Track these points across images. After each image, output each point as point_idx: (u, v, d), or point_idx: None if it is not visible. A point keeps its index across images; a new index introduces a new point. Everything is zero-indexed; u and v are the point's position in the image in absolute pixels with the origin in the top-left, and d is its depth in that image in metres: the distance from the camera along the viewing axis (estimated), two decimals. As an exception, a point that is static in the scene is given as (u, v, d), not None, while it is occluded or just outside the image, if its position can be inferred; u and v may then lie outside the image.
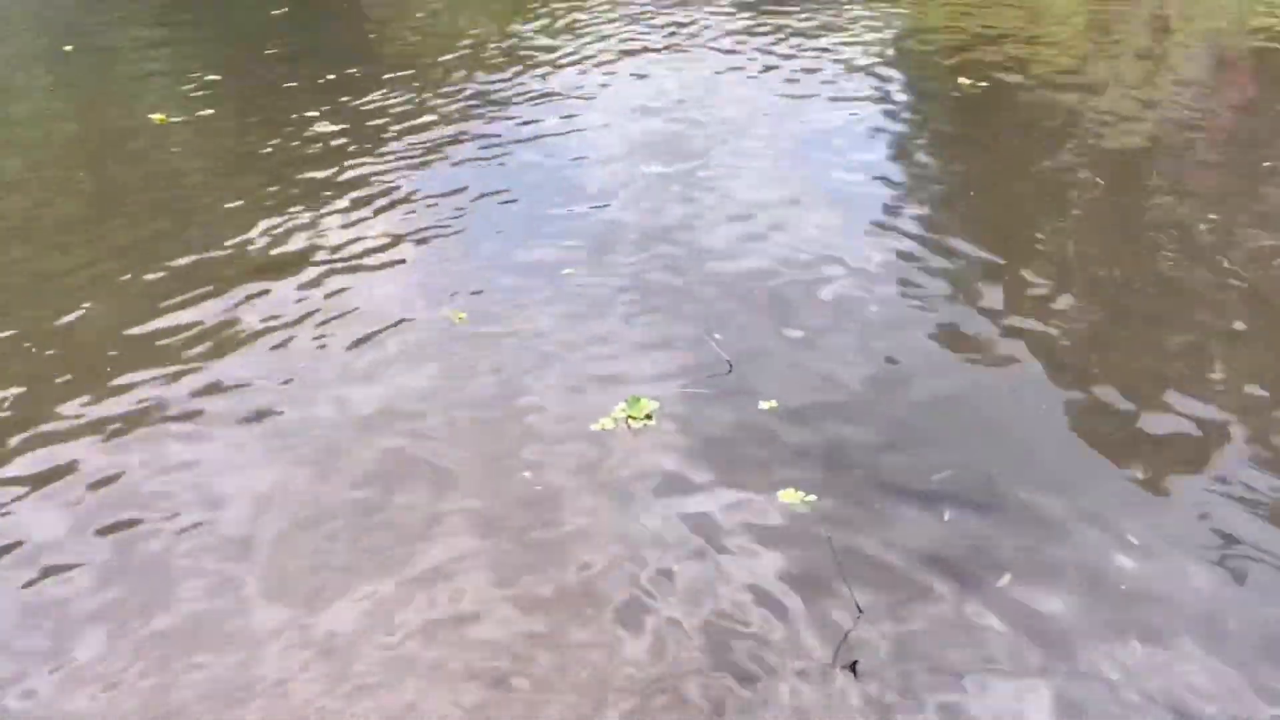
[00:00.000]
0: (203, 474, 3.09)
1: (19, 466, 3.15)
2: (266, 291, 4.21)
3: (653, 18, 8.24)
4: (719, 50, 7.30)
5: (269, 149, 5.85)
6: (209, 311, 4.05)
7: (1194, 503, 2.79)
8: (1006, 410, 3.26)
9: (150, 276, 4.35)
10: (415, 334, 3.87)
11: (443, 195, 5.13)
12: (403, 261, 4.49)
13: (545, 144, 5.76)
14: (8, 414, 3.42)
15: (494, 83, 6.79)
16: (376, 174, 5.42)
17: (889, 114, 6.02)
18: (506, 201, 5.03)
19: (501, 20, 8.24)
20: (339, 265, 4.45)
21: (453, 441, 3.20)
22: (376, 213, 4.98)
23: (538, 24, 8.08)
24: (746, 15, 8.22)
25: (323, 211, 5.00)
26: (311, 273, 4.38)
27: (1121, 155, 5.24)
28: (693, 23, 8.04)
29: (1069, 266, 4.17)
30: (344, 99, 6.58)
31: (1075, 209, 4.71)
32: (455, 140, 5.86)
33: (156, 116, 6.45)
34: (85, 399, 3.48)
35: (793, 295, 3.98)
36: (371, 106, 6.44)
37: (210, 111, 6.55)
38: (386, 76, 6.98)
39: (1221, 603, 2.44)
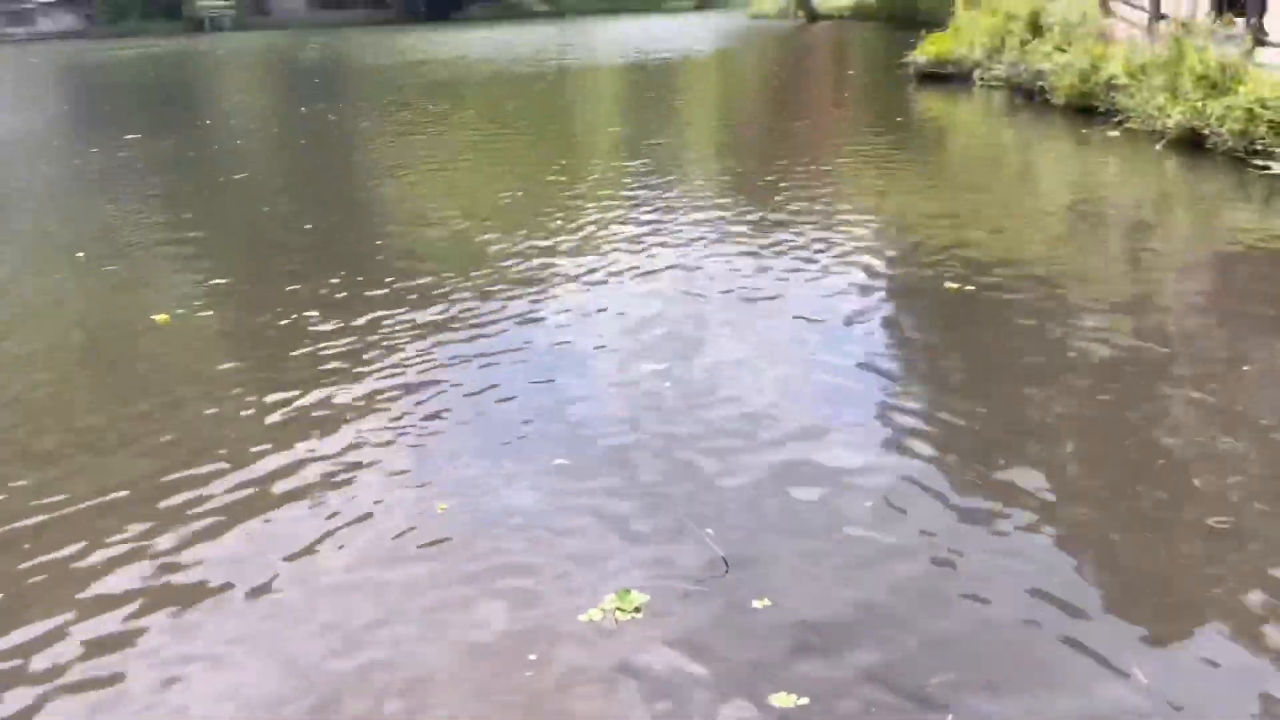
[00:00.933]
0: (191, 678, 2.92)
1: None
2: (254, 491, 4.12)
3: (639, 212, 8.48)
4: (704, 250, 7.42)
5: (267, 351, 5.88)
6: (194, 515, 3.95)
7: None
8: (1005, 612, 3.09)
9: (134, 481, 4.28)
10: (397, 521, 3.78)
11: (437, 393, 5.11)
12: (390, 446, 4.42)
13: (541, 344, 5.78)
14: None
15: (493, 289, 6.85)
16: (371, 372, 5.42)
17: (874, 317, 6.05)
18: (502, 399, 5.00)
19: (507, 229, 8.42)
20: (327, 458, 4.37)
21: (435, 638, 3.09)
22: (369, 409, 4.94)
23: (541, 230, 8.27)
24: (731, 214, 8.44)
25: (314, 410, 4.96)
26: (296, 467, 4.31)
27: (1109, 357, 5.18)
28: (677, 218, 8.27)
29: (1063, 473, 4.08)
30: (346, 302, 6.66)
31: (1065, 413, 4.63)
32: (452, 342, 5.87)
33: (159, 317, 6.48)
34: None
35: (785, 496, 3.88)
36: (372, 310, 6.49)
37: (211, 313, 6.61)
38: (389, 281, 7.06)
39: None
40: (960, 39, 17.50)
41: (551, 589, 3.30)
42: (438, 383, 5.27)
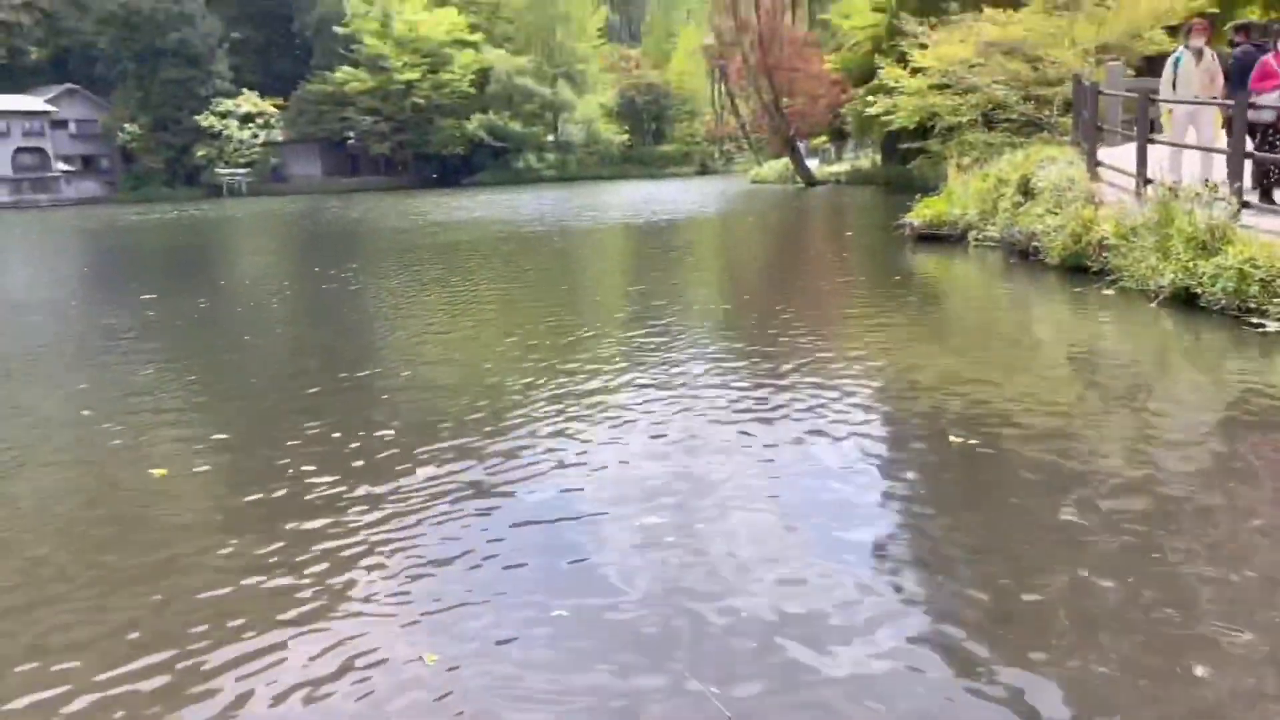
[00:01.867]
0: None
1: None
2: (245, 652, 4.04)
3: (643, 369, 8.55)
4: (707, 406, 7.45)
5: (261, 504, 5.86)
6: (180, 672, 3.86)
7: None
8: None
9: (121, 643, 4.15)
10: (385, 672, 3.71)
11: (433, 542, 5.07)
12: (382, 595, 4.33)
13: (542, 496, 5.76)
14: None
15: (496, 442, 6.87)
16: (366, 523, 5.37)
17: (878, 474, 6.02)
18: (500, 549, 4.95)
19: (513, 387, 8.51)
20: (317, 609, 4.28)
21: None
22: (363, 567, 4.88)
23: (547, 386, 8.34)
24: (734, 370, 8.51)
25: (304, 560, 4.90)
26: (285, 615, 4.22)
27: (1119, 515, 5.14)
28: (681, 374, 8.33)
29: (1079, 636, 3.96)
30: (345, 458, 6.66)
31: (1078, 573, 4.55)
32: (451, 494, 5.84)
33: (158, 471, 6.50)
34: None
35: (789, 655, 3.81)
36: (371, 465, 6.49)
37: (208, 467, 6.62)
38: (390, 438, 7.08)
39: None
40: (954, 202, 18.07)
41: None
42: (434, 532, 5.24)
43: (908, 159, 31.90)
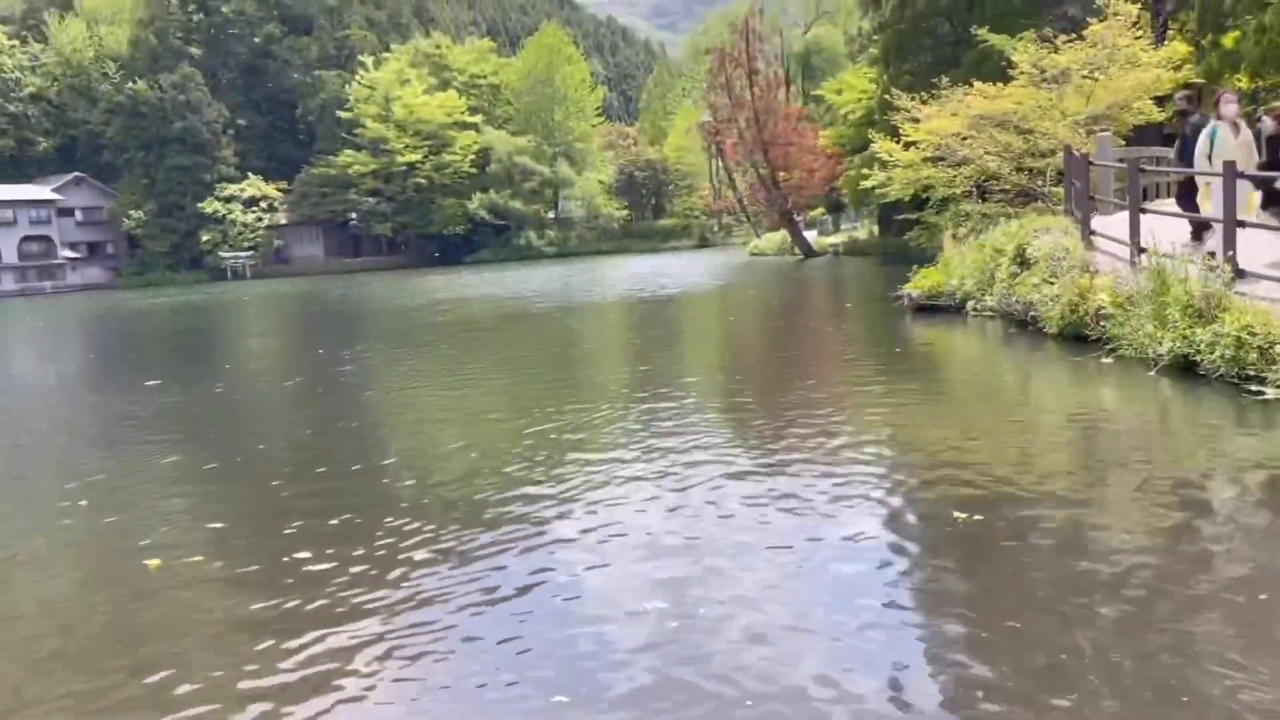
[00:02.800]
0: None
1: None
2: None
3: (647, 447, 8.52)
4: (710, 483, 7.41)
5: (255, 595, 5.81)
6: None
7: None
8: None
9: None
10: None
11: (432, 624, 5.04)
12: (381, 678, 4.30)
13: (544, 578, 5.71)
14: None
15: (497, 525, 6.83)
16: (363, 606, 5.32)
17: (884, 552, 5.98)
18: (501, 633, 4.90)
19: (515, 468, 8.49)
20: (312, 693, 4.20)
21: None
22: (360, 642, 4.83)
23: (550, 465, 8.32)
24: (736, 447, 8.48)
25: (299, 646, 4.83)
26: (278, 703, 4.11)
27: (1126, 587, 5.09)
28: (684, 451, 8.29)
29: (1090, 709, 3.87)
30: (343, 543, 6.61)
31: (1085, 649, 4.49)
32: (449, 577, 5.79)
33: (152, 562, 6.46)
34: None
35: None
36: (369, 549, 6.44)
37: (200, 558, 6.58)
38: (389, 521, 7.04)
39: None
40: (951, 272, 18.19)
41: None
42: (433, 614, 5.24)
43: (904, 229, 32.21)
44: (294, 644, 5.03)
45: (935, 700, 4.12)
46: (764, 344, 18.12)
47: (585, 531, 6.59)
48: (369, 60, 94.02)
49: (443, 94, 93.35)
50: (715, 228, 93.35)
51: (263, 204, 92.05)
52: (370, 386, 14.58)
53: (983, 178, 23.29)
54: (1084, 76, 21.29)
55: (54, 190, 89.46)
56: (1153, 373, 10.24)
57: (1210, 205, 12.40)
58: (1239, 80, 31.05)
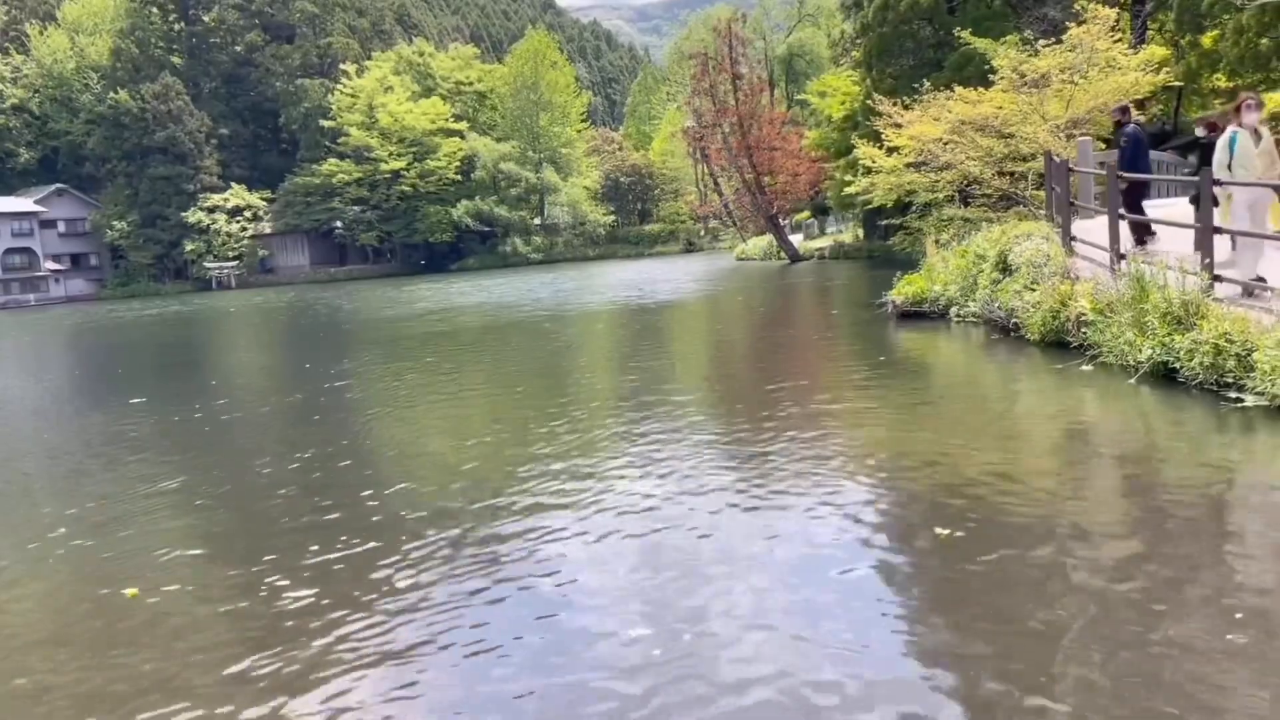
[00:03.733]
0: None
1: None
2: None
3: (632, 460, 8.52)
4: (695, 498, 7.42)
5: (232, 632, 5.78)
6: None
7: None
8: None
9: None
10: None
11: (413, 653, 5.01)
12: (359, 711, 4.24)
13: (527, 603, 5.70)
14: None
15: (481, 546, 6.82)
16: (340, 636, 5.30)
17: (867, 571, 5.97)
18: (486, 660, 4.89)
19: (500, 486, 8.49)
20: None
21: None
22: (337, 672, 4.81)
23: (534, 483, 8.31)
24: (721, 459, 8.48)
25: (274, 678, 4.81)
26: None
27: (1108, 602, 5.10)
28: (667, 463, 8.29)
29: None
30: (322, 568, 6.59)
31: (1068, 671, 4.50)
32: (429, 603, 5.78)
33: (129, 590, 6.43)
34: None
35: None
36: (354, 581, 6.42)
37: (176, 586, 6.56)
38: (375, 545, 7.03)
39: None
40: (934, 279, 18.25)
41: None
42: (414, 642, 5.21)
43: (889, 233, 32.34)
44: (268, 675, 5.00)
45: (905, 707, 4.12)
46: (750, 354, 18.14)
47: (563, 546, 6.58)
48: (351, 68, 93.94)
49: (427, 101, 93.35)
50: (701, 232, 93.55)
51: (247, 214, 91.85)
52: (358, 404, 14.53)
53: (965, 182, 23.39)
54: (1064, 81, 21.40)
55: (36, 202, 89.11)
56: (1133, 380, 10.29)
57: (1233, 219, 11.53)
58: (1218, 79, 31.29)
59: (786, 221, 56.69)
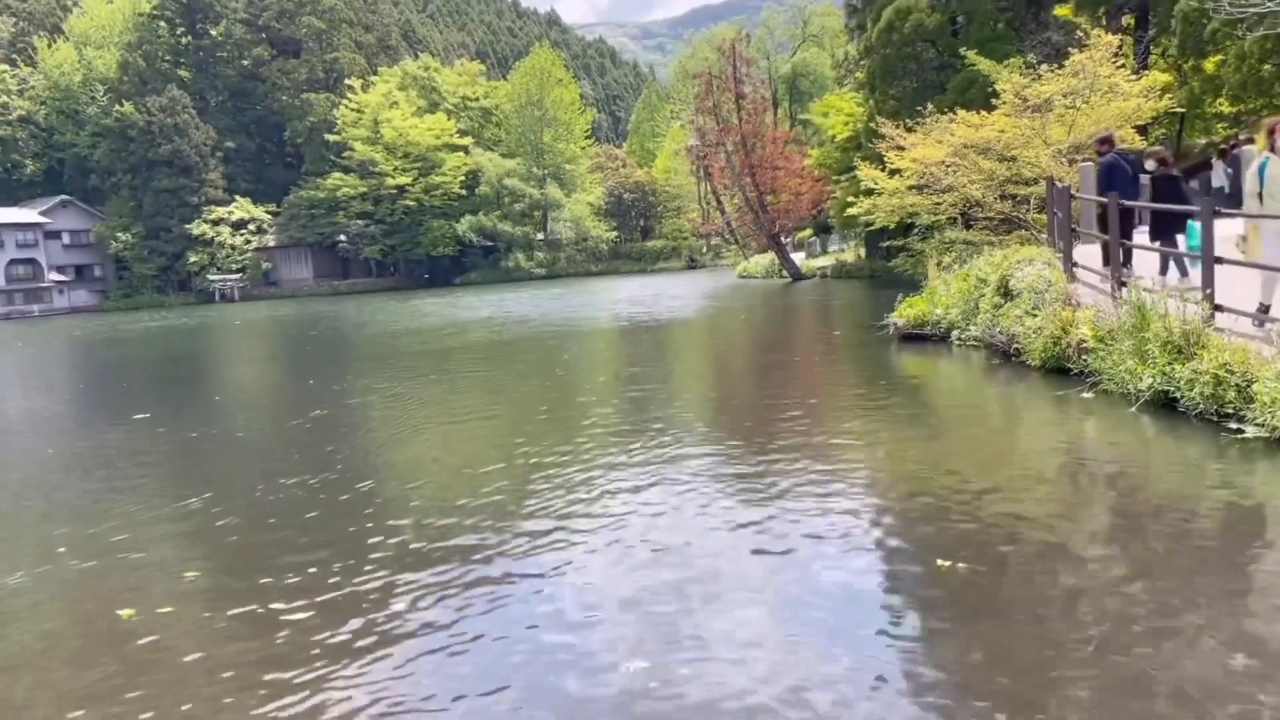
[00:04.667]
0: None
1: None
2: None
3: (632, 481, 8.52)
4: (695, 522, 7.42)
5: (225, 654, 5.77)
6: None
7: None
8: None
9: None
10: None
11: (407, 680, 5.01)
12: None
13: (525, 631, 5.70)
14: None
15: (478, 572, 6.82)
16: (342, 679, 5.28)
17: (866, 604, 5.98)
18: (483, 688, 4.86)
19: (499, 510, 8.50)
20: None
21: None
22: (330, 701, 4.78)
23: (534, 503, 8.31)
24: (721, 483, 8.48)
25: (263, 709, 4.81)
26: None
27: (1112, 639, 5.09)
28: (669, 485, 8.30)
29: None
30: (320, 595, 6.59)
31: (1067, 715, 4.49)
32: (425, 629, 5.78)
33: (125, 612, 6.44)
34: None
35: None
36: (352, 605, 6.41)
37: (170, 609, 6.57)
38: (373, 571, 7.03)
39: None
40: (936, 301, 18.28)
41: None
42: (408, 668, 5.20)
43: (891, 254, 32.40)
44: (255, 702, 5.00)
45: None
46: (752, 376, 18.15)
47: (561, 569, 6.59)
48: (357, 83, 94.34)
49: (432, 116, 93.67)
50: (704, 249, 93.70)
51: (251, 226, 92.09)
52: (361, 423, 14.53)
53: (967, 205, 23.45)
54: (1066, 106, 21.48)
55: (41, 213, 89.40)
56: (1134, 409, 10.28)
57: (1265, 250, 10.93)
58: (1221, 105, 31.41)
59: (789, 240, 56.80)
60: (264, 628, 6.09)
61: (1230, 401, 9.22)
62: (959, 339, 16.85)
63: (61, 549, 8.14)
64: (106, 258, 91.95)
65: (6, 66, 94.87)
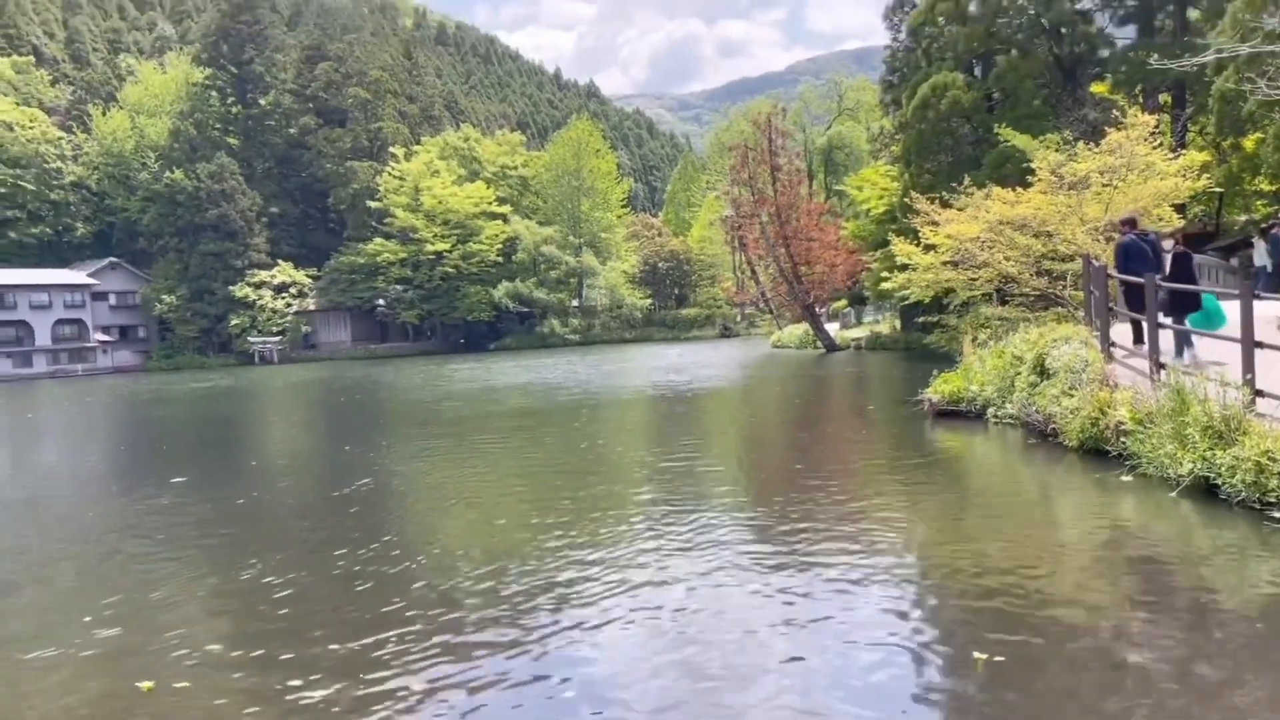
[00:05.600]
0: None
1: None
2: None
3: (665, 551, 8.46)
4: (726, 596, 7.34)
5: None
6: None
7: None
8: None
9: None
10: None
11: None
12: None
13: (549, 695, 5.62)
14: None
15: (505, 638, 6.77)
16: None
17: (898, 699, 5.87)
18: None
19: (531, 574, 8.46)
20: None
21: None
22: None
23: (565, 570, 8.27)
24: (753, 558, 8.39)
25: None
26: None
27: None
28: (701, 558, 8.21)
29: None
30: (344, 674, 6.56)
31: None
32: (444, 691, 5.74)
33: (145, 684, 6.45)
34: None
35: None
36: (378, 687, 6.38)
37: (188, 684, 6.56)
38: (401, 650, 7.00)
39: None
40: (971, 378, 18.17)
41: None
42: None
43: (926, 327, 32.32)
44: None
45: None
46: (786, 451, 18.04)
47: (591, 634, 6.53)
48: (400, 152, 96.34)
49: (471, 185, 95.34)
50: (738, 318, 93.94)
51: (292, 290, 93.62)
52: (396, 493, 14.58)
53: (1002, 281, 23.40)
54: (1103, 184, 21.49)
55: (89, 275, 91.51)
56: (1174, 494, 10.11)
57: None
58: (1262, 182, 31.28)
59: (823, 310, 56.82)
60: (284, 706, 6.05)
61: (1273, 490, 9.05)
62: (994, 417, 16.69)
63: (88, 618, 8.17)
64: (151, 319, 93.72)
65: (62, 134, 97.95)
